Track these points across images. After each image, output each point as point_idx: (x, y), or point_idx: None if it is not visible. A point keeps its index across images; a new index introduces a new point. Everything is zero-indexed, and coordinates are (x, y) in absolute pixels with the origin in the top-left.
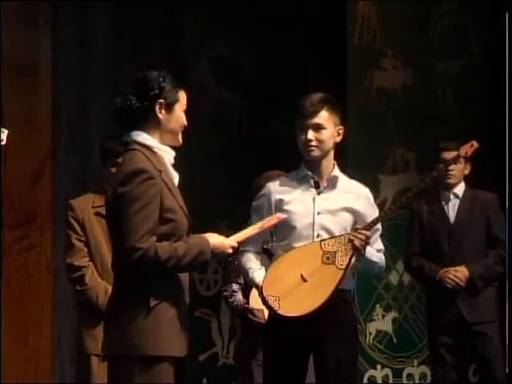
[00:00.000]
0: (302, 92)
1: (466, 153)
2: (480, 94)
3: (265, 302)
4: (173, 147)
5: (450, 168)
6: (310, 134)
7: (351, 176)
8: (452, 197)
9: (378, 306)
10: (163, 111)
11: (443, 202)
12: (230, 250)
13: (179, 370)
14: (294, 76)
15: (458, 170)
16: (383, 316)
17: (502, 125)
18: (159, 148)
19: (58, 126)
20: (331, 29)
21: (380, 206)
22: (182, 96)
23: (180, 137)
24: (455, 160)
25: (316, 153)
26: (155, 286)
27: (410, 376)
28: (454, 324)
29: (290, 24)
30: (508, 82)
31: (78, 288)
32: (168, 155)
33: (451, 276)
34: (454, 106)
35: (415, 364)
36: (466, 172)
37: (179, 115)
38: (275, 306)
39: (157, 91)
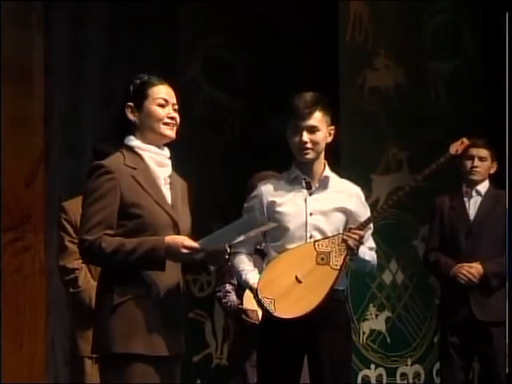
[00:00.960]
0: (296, 92)
1: (457, 150)
2: (473, 93)
3: (260, 304)
4: (169, 147)
5: (476, 164)
6: (305, 136)
7: (344, 176)
8: (474, 194)
9: (371, 305)
10: (135, 113)
11: (465, 199)
12: (184, 250)
13: (167, 370)
14: (287, 76)
15: (484, 167)
16: (377, 315)
17: (496, 124)
18: (139, 147)
19: (51, 128)
20: (324, 28)
21: (372, 206)
22: (155, 91)
23: (164, 130)
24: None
25: (311, 155)
26: (120, 284)
27: (403, 375)
28: (464, 323)
29: (282, 24)
30: (508, 83)
31: (71, 290)
32: (150, 154)
33: (465, 272)
34: (447, 106)
35: (409, 363)
36: (492, 171)
37: (152, 111)
38: (271, 308)
39: (125, 96)
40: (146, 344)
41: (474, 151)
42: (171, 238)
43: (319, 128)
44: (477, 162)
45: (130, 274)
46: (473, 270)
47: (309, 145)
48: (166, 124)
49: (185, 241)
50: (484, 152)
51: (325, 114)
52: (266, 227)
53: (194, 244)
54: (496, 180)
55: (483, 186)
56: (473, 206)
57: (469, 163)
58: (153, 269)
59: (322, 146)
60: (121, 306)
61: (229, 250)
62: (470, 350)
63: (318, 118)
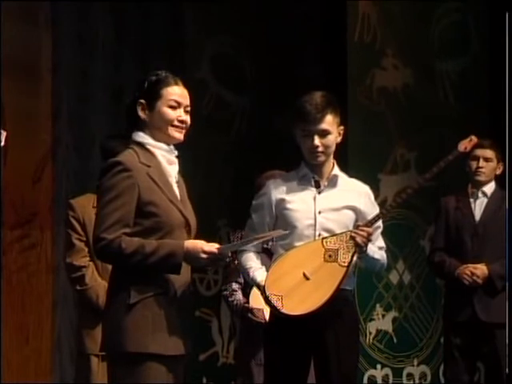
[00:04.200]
0: (303, 91)
1: (465, 148)
2: (481, 93)
3: (268, 301)
4: (176, 146)
5: (481, 165)
6: (317, 141)
7: (351, 175)
8: (480, 195)
9: (378, 305)
10: (146, 111)
11: (471, 200)
12: (203, 255)
13: (178, 370)
14: (295, 75)
15: (489, 168)
16: (383, 315)
17: (504, 124)
18: (151, 145)
19: (59, 125)
20: (332, 28)
21: (380, 206)
22: (169, 92)
23: (173, 132)
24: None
25: (322, 158)
26: (137, 282)
27: (410, 376)
28: (468, 324)
29: (290, 23)
30: (508, 83)
31: (78, 288)
32: (162, 152)
33: (469, 273)
34: (455, 106)
35: (415, 364)
36: (498, 172)
37: (163, 112)
38: (278, 304)
39: (137, 93)
40: (164, 343)
41: (480, 152)
42: (191, 243)
43: (330, 131)
44: (482, 163)
45: (147, 272)
46: (477, 271)
47: (320, 149)
48: (174, 126)
49: (204, 246)
50: (489, 153)
51: (335, 116)
52: (277, 234)
53: (214, 249)
54: (502, 181)
55: (489, 187)
56: (478, 206)
57: (474, 164)
58: (168, 272)
59: (333, 147)
60: (138, 304)
61: (229, 254)
62: (473, 351)
63: (329, 122)
